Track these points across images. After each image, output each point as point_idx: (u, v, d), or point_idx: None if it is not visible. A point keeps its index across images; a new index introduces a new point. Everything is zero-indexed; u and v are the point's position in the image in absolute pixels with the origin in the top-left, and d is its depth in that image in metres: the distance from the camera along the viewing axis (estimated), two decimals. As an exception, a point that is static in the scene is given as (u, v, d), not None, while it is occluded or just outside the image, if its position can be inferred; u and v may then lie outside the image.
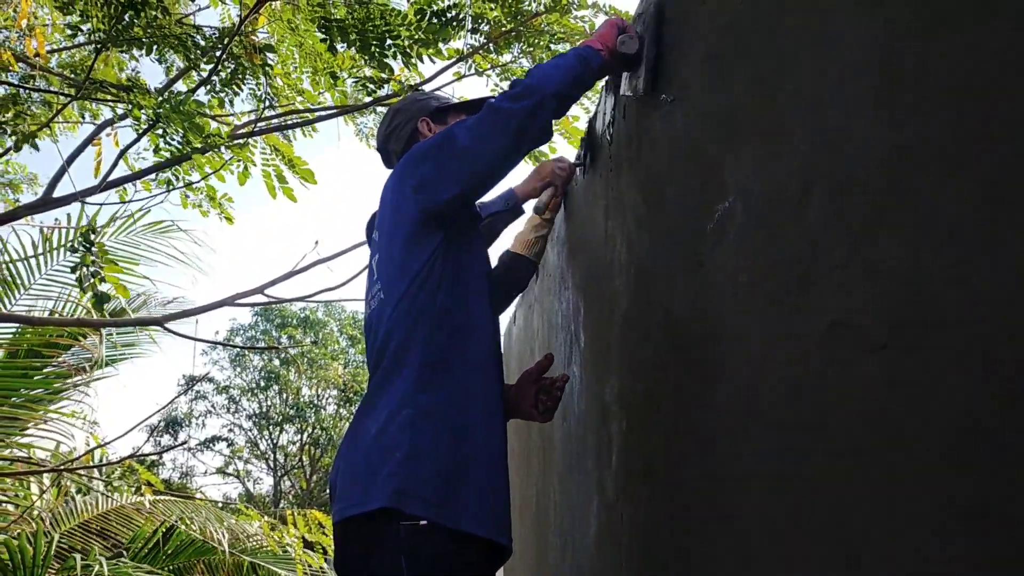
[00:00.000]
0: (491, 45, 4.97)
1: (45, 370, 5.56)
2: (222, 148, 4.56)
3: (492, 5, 4.67)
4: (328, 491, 2.10)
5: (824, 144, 0.98)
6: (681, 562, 1.42)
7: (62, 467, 5.55)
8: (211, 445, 27.34)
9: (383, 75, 4.88)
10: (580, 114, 4.93)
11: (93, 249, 4.20)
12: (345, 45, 4.61)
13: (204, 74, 4.85)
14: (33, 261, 5.49)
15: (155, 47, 4.61)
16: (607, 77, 2.12)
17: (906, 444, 0.79)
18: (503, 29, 4.84)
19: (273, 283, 4.88)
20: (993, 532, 0.68)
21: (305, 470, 26.92)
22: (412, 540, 1.78)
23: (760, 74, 1.18)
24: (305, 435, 26.98)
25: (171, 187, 5.00)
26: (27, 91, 4.97)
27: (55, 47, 5.50)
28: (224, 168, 5.03)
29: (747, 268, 1.19)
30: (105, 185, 4.86)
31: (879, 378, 0.84)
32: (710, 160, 1.35)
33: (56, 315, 5.56)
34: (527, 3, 4.81)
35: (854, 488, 0.88)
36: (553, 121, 1.96)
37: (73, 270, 4.19)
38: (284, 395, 26.94)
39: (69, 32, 4.94)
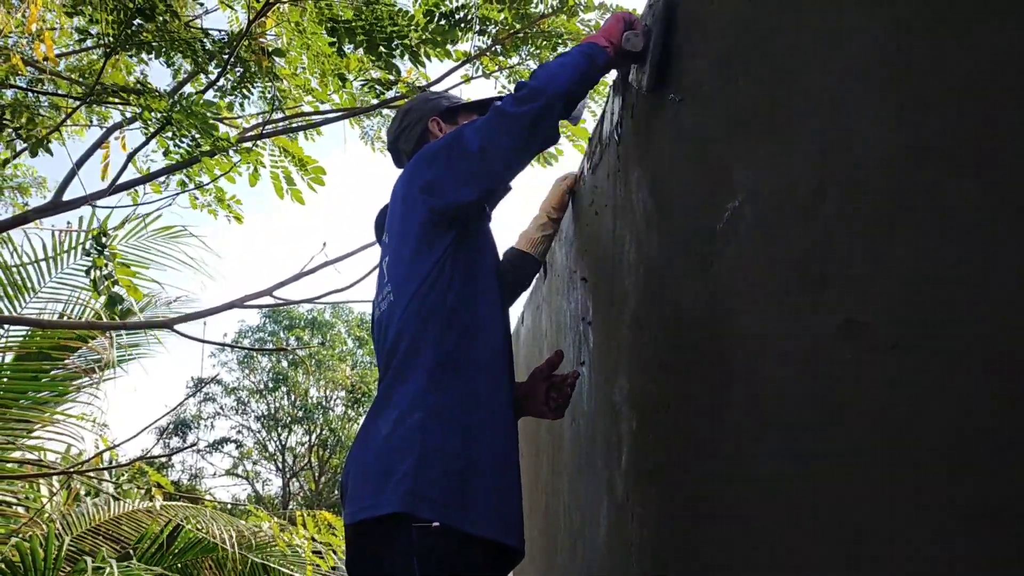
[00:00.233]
0: (498, 47, 4.97)
1: (54, 372, 5.57)
2: (231, 151, 4.57)
3: (499, 7, 4.68)
4: (338, 492, 2.10)
5: (834, 143, 0.98)
6: (691, 562, 1.42)
7: (72, 469, 5.57)
8: (220, 447, 27.38)
9: (391, 77, 4.89)
10: (586, 116, 4.93)
11: (106, 252, 4.21)
12: (353, 47, 4.62)
13: (212, 77, 4.87)
14: (43, 264, 5.51)
15: (164, 51, 4.63)
16: (616, 76, 2.12)
17: (917, 444, 0.79)
18: (510, 31, 4.84)
19: (281, 285, 4.89)
20: (1006, 532, 0.68)
21: (314, 471, 26.94)
22: (424, 542, 1.78)
23: (769, 73, 1.18)
24: (313, 436, 26.99)
25: (184, 188, 5.02)
26: (36, 95, 4.98)
27: (63, 51, 5.52)
28: (233, 170, 5.04)
29: (757, 268, 1.19)
30: (115, 188, 4.88)
31: (890, 377, 0.84)
32: (719, 159, 1.35)
33: (66, 318, 5.58)
34: (534, 5, 4.82)
35: (865, 488, 0.88)
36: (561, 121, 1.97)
37: (87, 272, 4.20)
38: (292, 396, 26.96)
39: (78, 37, 4.97)
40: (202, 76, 5.19)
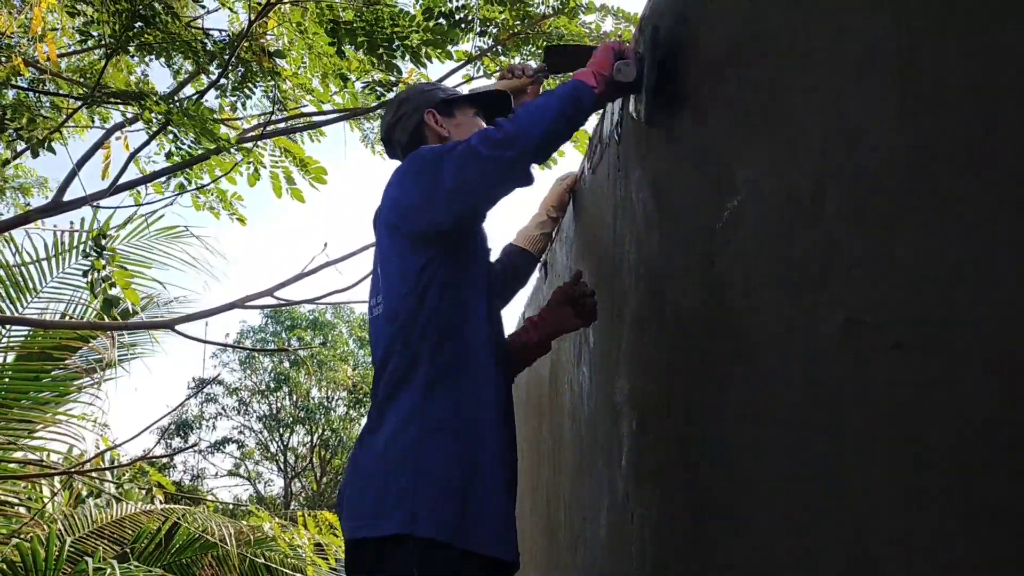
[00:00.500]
0: (499, 47, 4.97)
1: (55, 373, 5.58)
2: (232, 150, 4.57)
3: (500, 8, 4.68)
4: (337, 498, 2.11)
5: (837, 142, 0.97)
6: (692, 562, 1.42)
7: (73, 470, 5.57)
8: (222, 447, 27.39)
9: (392, 78, 4.89)
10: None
11: (105, 254, 4.21)
12: (353, 48, 4.62)
13: (213, 77, 4.87)
14: (44, 264, 5.51)
15: (164, 51, 4.63)
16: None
17: (919, 443, 0.79)
18: (511, 32, 4.84)
19: (283, 285, 4.89)
20: (1008, 532, 0.68)
21: (315, 472, 26.95)
22: (423, 560, 1.80)
23: (770, 72, 1.17)
24: (315, 437, 27.00)
25: (184, 190, 5.02)
26: (37, 95, 4.99)
27: (64, 51, 5.52)
28: (234, 170, 5.04)
29: (758, 267, 1.18)
30: (116, 188, 4.88)
31: (894, 377, 0.84)
32: (720, 158, 1.35)
33: (68, 318, 5.58)
34: (535, 6, 4.82)
35: (866, 488, 0.88)
36: None
37: (85, 274, 4.20)
38: (294, 397, 26.97)
39: (80, 38, 4.97)
40: (203, 76, 5.19)
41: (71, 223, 5.27)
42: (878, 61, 0.90)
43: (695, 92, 1.52)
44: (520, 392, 4.23)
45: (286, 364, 26.60)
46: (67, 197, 4.96)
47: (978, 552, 0.71)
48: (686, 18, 1.61)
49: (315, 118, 5.56)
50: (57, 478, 5.83)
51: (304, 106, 5.51)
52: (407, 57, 4.63)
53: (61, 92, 5.17)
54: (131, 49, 4.46)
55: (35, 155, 4.56)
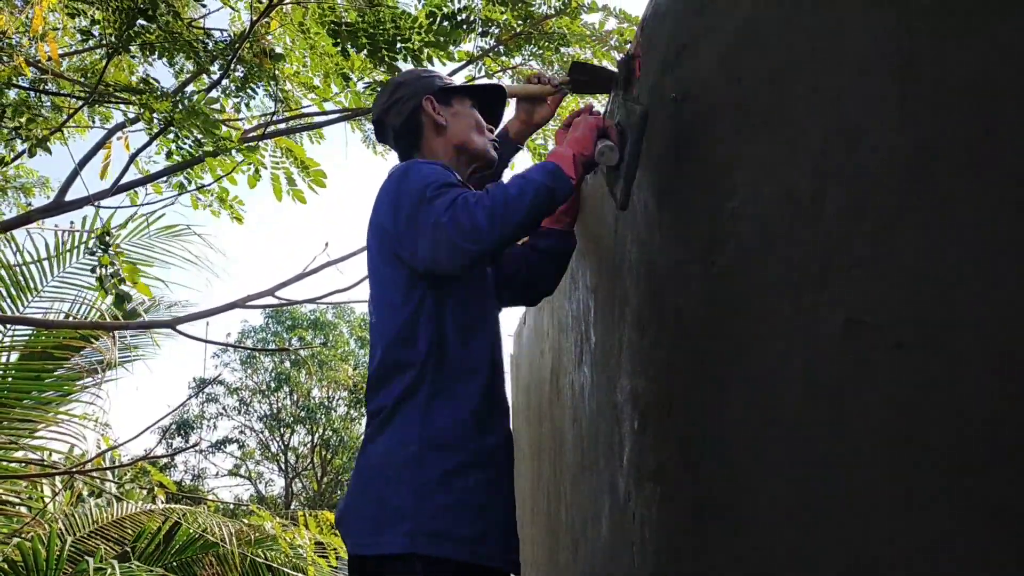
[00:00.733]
0: (501, 48, 4.97)
1: (57, 372, 5.58)
2: (233, 151, 4.57)
3: (502, 8, 4.68)
4: (336, 514, 2.11)
5: (838, 142, 0.98)
6: (693, 562, 1.42)
7: (74, 469, 5.57)
8: (222, 447, 27.40)
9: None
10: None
11: (110, 251, 4.21)
12: (355, 50, 4.62)
13: (215, 77, 4.88)
14: (46, 264, 5.51)
15: (166, 51, 4.63)
16: (615, 76, 2.11)
17: (922, 443, 0.79)
18: (513, 32, 4.84)
19: (284, 285, 4.89)
20: (1009, 532, 0.68)
21: (316, 472, 26.95)
22: (426, 571, 1.81)
23: (771, 72, 1.18)
24: (316, 437, 27.01)
25: (184, 190, 5.02)
26: (38, 95, 4.99)
27: (66, 50, 5.52)
28: (235, 171, 5.04)
29: (758, 267, 1.19)
30: (117, 188, 4.88)
31: (894, 377, 0.84)
32: (721, 157, 1.35)
33: (71, 318, 5.59)
34: (537, 6, 4.82)
35: (868, 488, 0.88)
36: None
37: (93, 270, 4.20)
38: (295, 397, 26.98)
39: (81, 37, 4.97)
40: (204, 76, 5.20)
41: (71, 223, 5.27)
42: (878, 61, 0.90)
43: (696, 92, 1.52)
44: (521, 393, 4.24)
45: (287, 364, 26.61)
46: (69, 197, 4.96)
47: (979, 552, 0.72)
48: (689, 15, 1.62)
49: (317, 118, 5.56)
50: (58, 478, 5.83)
51: (306, 106, 5.51)
52: (409, 59, 4.63)
53: (63, 92, 5.17)
54: (133, 48, 4.46)
55: (32, 155, 4.56)
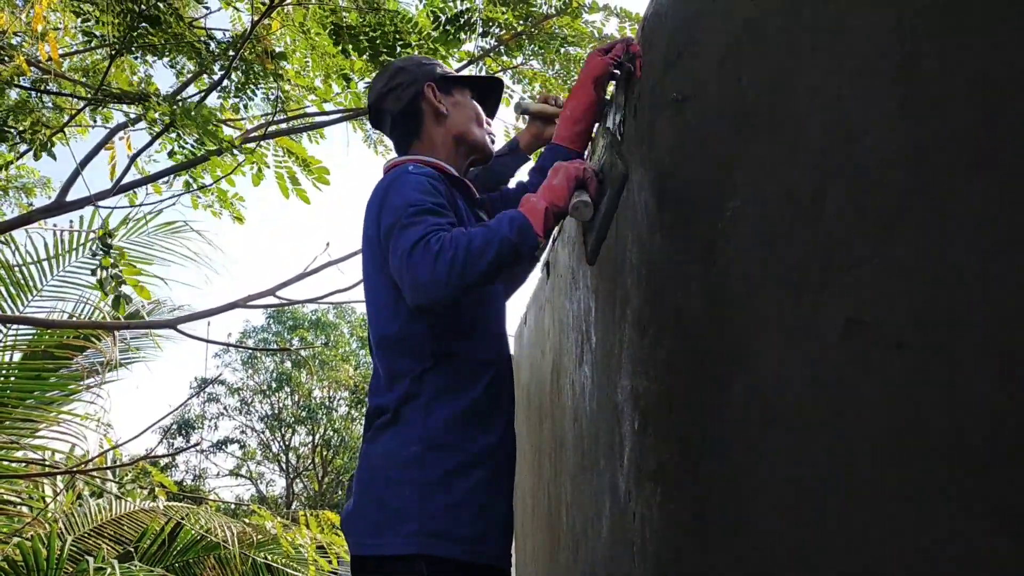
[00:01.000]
0: (502, 47, 4.97)
1: (59, 372, 5.58)
2: (235, 151, 4.57)
3: (503, 9, 4.68)
4: (344, 508, 2.11)
5: (839, 141, 0.98)
6: (694, 562, 1.42)
7: (75, 469, 5.58)
8: (223, 447, 27.44)
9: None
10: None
11: (112, 252, 4.22)
12: (357, 52, 4.62)
13: (216, 78, 4.88)
14: (46, 264, 5.51)
15: (168, 52, 4.63)
16: (614, 80, 2.11)
17: (921, 444, 0.79)
18: (514, 32, 4.84)
19: (284, 285, 4.90)
20: (1012, 532, 0.68)
21: (317, 472, 26.99)
22: (430, 573, 1.81)
23: (772, 72, 1.18)
24: (317, 437, 27.05)
25: (189, 189, 5.02)
26: (39, 96, 4.99)
27: (67, 51, 5.52)
28: (237, 171, 5.04)
29: (759, 267, 1.19)
30: (119, 188, 4.89)
31: (896, 377, 0.84)
32: (722, 157, 1.35)
33: (73, 318, 5.59)
34: (538, 6, 4.82)
35: (869, 488, 0.88)
36: None
37: (94, 273, 4.21)
38: (296, 397, 27.02)
39: (84, 39, 4.97)
40: (205, 77, 5.20)
41: (70, 222, 5.27)
42: (879, 61, 0.90)
43: (697, 92, 1.52)
44: (522, 393, 4.24)
45: (288, 364, 26.66)
46: (70, 197, 4.97)
47: (980, 552, 0.71)
48: (690, 15, 1.62)
49: (318, 118, 5.57)
50: (60, 477, 5.84)
51: (307, 106, 5.51)
52: (409, 60, 4.62)
53: (64, 92, 5.17)
54: (135, 50, 4.46)
55: (37, 157, 4.56)
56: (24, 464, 5.44)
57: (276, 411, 27.25)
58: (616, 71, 2.06)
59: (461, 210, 2.03)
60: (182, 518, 6.17)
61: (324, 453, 27.00)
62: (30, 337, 5.48)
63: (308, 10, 4.67)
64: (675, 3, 1.71)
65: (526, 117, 2.49)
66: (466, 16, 4.64)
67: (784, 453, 1.07)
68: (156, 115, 4.28)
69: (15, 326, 5.37)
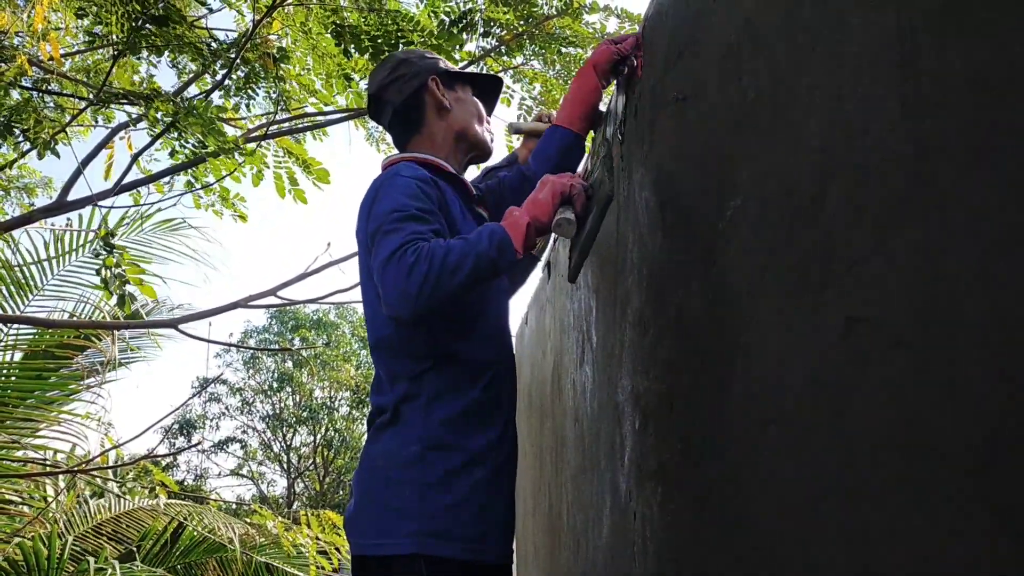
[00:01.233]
0: (503, 48, 4.97)
1: (59, 372, 5.58)
2: (236, 151, 4.58)
3: (504, 9, 4.68)
4: (345, 501, 2.11)
5: (840, 139, 0.97)
6: (694, 562, 1.42)
7: (77, 469, 5.58)
8: (225, 447, 27.49)
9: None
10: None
11: (115, 251, 4.22)
12: (358, 52, 4.62)
13: (218, 78, 4.88)
14: (46, 264, 5.51)
15: (171, 52, 4.64)
16: (619, 72, 2.10)
17: (925, 443, 0.79)
18: (515, 32, 4.84)
19: (286, 285, 4.90)
20: (1014, 532, 0.68)
21: (318, 472, 27.01)
22: (431, 572, 1.82)
23: (773, 70, 1.17)
24: (318, 437, 27.07)
25: (191, 189, 5.03)
26: (41, 96, 4.99)
27: (69, 51, 5.52)
28: (238, 171, 5.05)
29: (761, 265, 1.18)
30: (120, 188, 4.89)
31: (897, 375, 0.84)
32: (723, 157, 1.35)
33: (74, 317, 5.59)
34: (539, 7, 4.82)
35: (869, 487, 0.88)
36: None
37: (97, 272, 4.21)
38: (297, 397, 27.05)
39: (84, 38, 4.97)
40: (207, 76, 5.20)
41: (67, 220, 5.28)
42: (879, 60, 0.90)
43: (698, 92, 1.52)
44: (523, 393, 4.24)
45: (289, 364, 26.68)
46: (71, 197, 4.97)
47: (982, 552, 0.71)
48: (691, 15, 1.61)
49: (320, 118, 5.57)
50: (61, 477, 5.84)
51: (307, 106, 5.51)
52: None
53: (66, 92, 5.18)
54: (139, 50, 4.46)
55: (41, 156, 4.57)
56: (24, 464, 5.44)
57: (277, 411, 27.28)
58: (621, 64, 2.05)
59: (455, 210, 2.02)
60: (185, 518, 6.17)
61: (325, 453, 27.02)
62: (31, 337, 5.49)
63: (310, 10, 4.67)
64: (676, 2, 1.71)
65: (520, 136, 2.51)
66: (468, 16, 4.64)
67: (785, 452, 1.07)
68: (158, 115, 4.28)
69: (16, 326, 5.37)
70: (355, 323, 27.03)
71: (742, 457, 1.22)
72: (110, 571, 4.71)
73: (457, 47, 4.71)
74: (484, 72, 2.36)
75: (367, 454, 1.99)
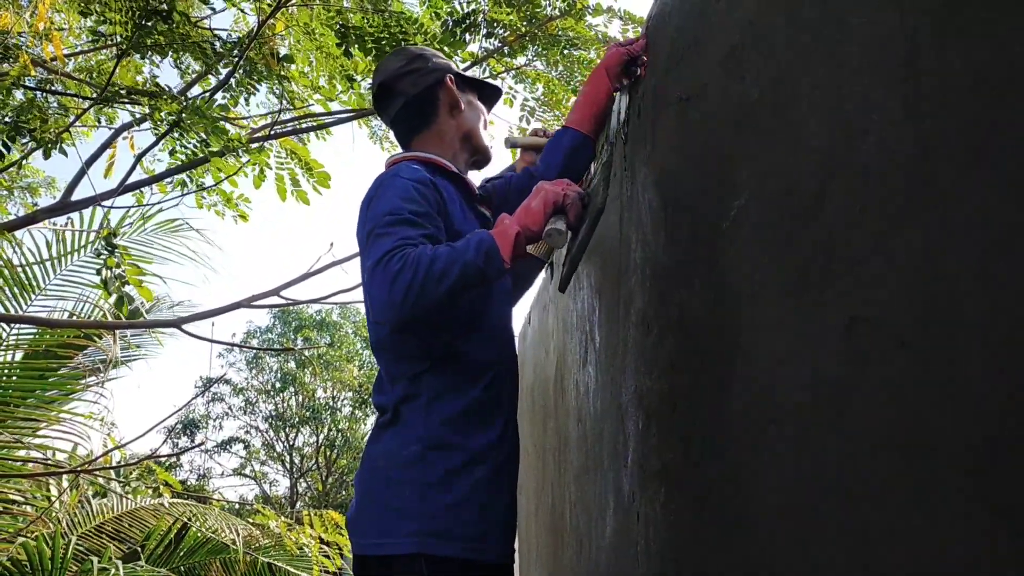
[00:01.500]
0: (506, 48, 4.98)
1: (60, 371, 5.58)
2: (239, 152, 4.58)
3: (508, 10, 4.68)
4: (347, 501, 2.12)
5: (842, 140, 0.98)
6: (697, 563, 1.42)
7: (80, 468, 5.58)
8: (228, 447, 27.50)
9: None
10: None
11: (116, 252, 4.22)
12: (363, 53, 4.63)
13: (221, 77, 4.89)
14: (48, 264, 5.52)
15: (175, 52, 4.64)
16: (630, 73, 2.11)
17: (926, 443, 0.79)
18: (518, 33, 4.84)
19: (289, 285, 4.90)
20: (1016, 532, 0.68)
21: (321, 472, 27.01)
22: (432, 572, 1.82)
23: (775, 71, 1.18)
24: (321, 437, 27.07)
25: (192, 189, 5.03)
26: (45, 96, 5.00)
27: (72, 51, 5.53)
28: (240, 172, 5.05)
29: (764, 266, 1.18)
30: (124, 188, 4.90)
31: (897, 375, 0.84)
32: (725, 156, 1.35)
33: (75, 317, 5.60)
34: (542, 8, 4.82)
35: (872, 488, 0.88)
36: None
37: (98, 273, 4.22)
38: (300, 397, 27.06)
39: (87, 39, 4.98)
40: (210, 77, 5.21)
41: (68, 219, 5.28)
42: (882, 60, 0.90)
43: (700, 92, 1.52)
44: (526, 393, 4.24)
45: (292, 364, 26.69)
46: (75, 197, 4.98)
47: (983, 552, 0.71)
48: (693, 15, 1.62)
49: (324, 118, 5.57)
50: (65, 477, 5.84)
51: (311, 105, 5.52)
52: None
53: (69, 92, 5.18)
54: (142, 49, 4.47)
55: (47, 156, 4.57)
56: (26, 463, 5.45)
57: (280, 411, 27.29)
58: (633, 65, 2.04)
59: (456, 209, 2.02)
60: (189, 518, 6.17)
61: (328, 453, 27.02)
62: (32, 336, 5.49)
63: (313, 11, 4.67)
64: (679, 2, 1.71)
65: (517, 150, 2.53)
66: (471, 17, 4.65)
67: (787, 453, 1.07)
68: (162, 114, 4.29)
69: (17, 325, 5.38)
70: (358, 323, 27.03)
71: (745, 457, 1.22)
72: (113, 571, 4.72)
73: (460, 48, 4.71)
74: (487, 79, 2.35)
75: (368, 454, 2.00)
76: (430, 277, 1.71)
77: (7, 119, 4.32)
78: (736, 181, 1.29)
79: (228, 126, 4.63)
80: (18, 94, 4.87)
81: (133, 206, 5.30)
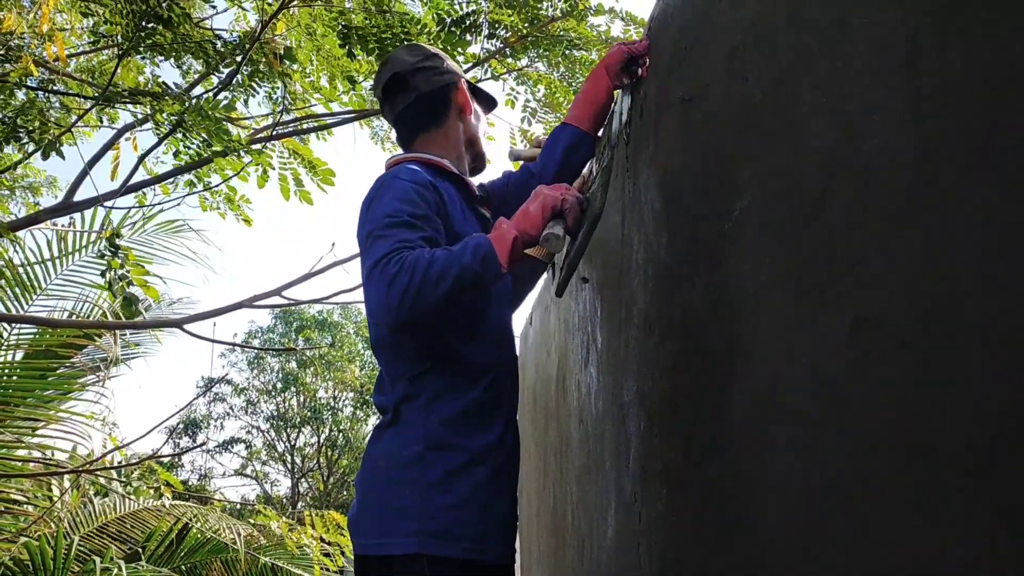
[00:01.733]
0: (507, 50, 4.98)
1: (60, 371, 5.58)
2: (241, 152, 4.58)
3: (509, 12, 4.68)
4: (348, 501, 2.13)
5: (845, 140, 0.98)
6: (699, 563, 1.42)
7: (82, 468, 5.58)
8: (229, 447, 27.50)
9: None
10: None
11: (120, 253, 4.22)
12: (365, 53, 4.63)
13: (223, 77, 4.89)
14: (50, 264, 5.52)
15: (176, 52, 4.64)
16: (631, 74, 2.10)
17: (926, 443, 0.79)
18: (520, 34, 4.84)
19: (290, 285, 4.90)
20: (1018, 531, 0.68)
21: (322, 472, 27.02)
22: (432, 572, 1.82)
23: (777, 72, 1.18)
24: (322, 437, 27.08)
25: (192, 190, 5.03)
26: (47, 96, 5.00)
27: (73, 51, 5.53)
28: (243, 172, 5.05)
29: (766, 266, 1.19)
30: (126, 189, 4.90)
31: (899, 375, 0.84)
32: (728, 157, 1.35)
33: (75, 316, 5.60)
34: (544, 9, 4.82)
35: (874, 488, 0.88)
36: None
37: (102, 274, 4.22)
38: (301, 397, 27.06)
39: (88, 39, 4.98)
40: (213, 78, 5.21)
41: (71, 219, 5.28)
42: (884, 60, 0.90)
43: (703, 93, 1.52)
44: (527, 393, 4.24)
45: (294, 364, 26.69)
46: (77, 197, 4.98)
47: (984, 552, 0.72)
48: (695, 16, 1.62)
49: (326, 119, 5.57)
50: (66, 477, 5.84)
51: (313, 106, 5.52)
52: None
53: (71, 92, 5.19)
54: (143, 49, 4.47)
55: (46, 157, 4.57)
56: (28, 463, 5.45)
57: (282, 411, 27.30)
58: (634, 64, 2.03)
59: (456, 211, 2.02)
60: (190, 520, 6.17)
61: (329, 453, 27.03)
62: (32, 336, 5.49)
63: (314, 12, 4.68)
64: (681, 3, 1.71)
65: (520, 162, 2.54)
66: (472, 18, 4.65)
67: (789, 453, 1.08)
68: (164, 115, 4.29)
69: (18, 325, 5.38)
70: (359, 323, 27.02)
71: (746, 458, 1.22)
72: (116, 571, 4.72)
73: (462, 48, 4.71)
74: (486, 90, 2.35)
75: (369, 454, 2.00)
76: (427, 281, 1.71)
77: (6, 120, 4.32)
78: (738, 182, 1.29)
79: (230, 127, 4.63)
80: (20, 94, 4.88)
81: (135, 206, 5.31)
